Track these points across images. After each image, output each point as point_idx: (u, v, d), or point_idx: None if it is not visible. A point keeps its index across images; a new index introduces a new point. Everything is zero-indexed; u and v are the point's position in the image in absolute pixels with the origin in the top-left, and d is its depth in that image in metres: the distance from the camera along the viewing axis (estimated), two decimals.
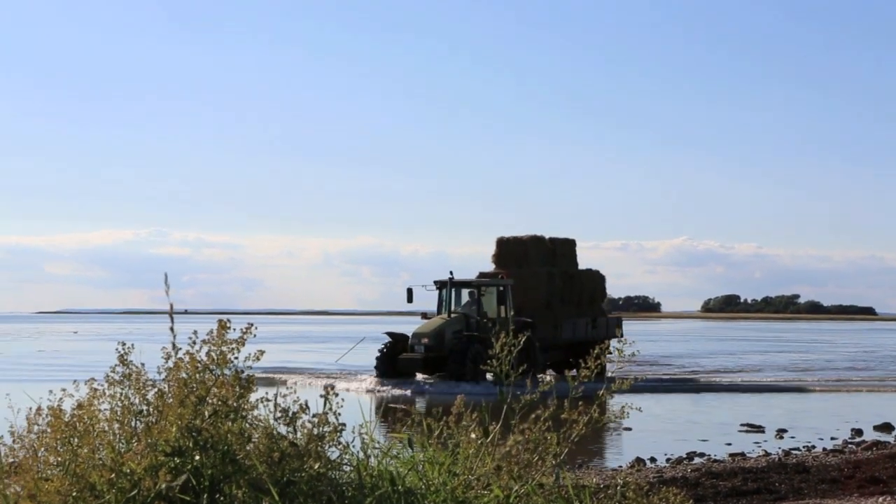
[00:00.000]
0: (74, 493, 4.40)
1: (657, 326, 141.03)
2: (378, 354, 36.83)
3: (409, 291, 38.82)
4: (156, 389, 4.92)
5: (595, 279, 45.26)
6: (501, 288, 38.57)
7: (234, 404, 4.66)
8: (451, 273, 38.52)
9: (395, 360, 36.34)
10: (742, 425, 24.72)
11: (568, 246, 45.48)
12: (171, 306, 4.84)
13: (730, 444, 21.06)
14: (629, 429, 21.11)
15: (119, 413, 4.92)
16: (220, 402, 4.66)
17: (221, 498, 4.45)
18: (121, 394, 4.95)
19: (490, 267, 43.59)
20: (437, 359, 36.05)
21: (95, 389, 5.02)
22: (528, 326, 37.61)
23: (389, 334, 37.81)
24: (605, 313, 45.42)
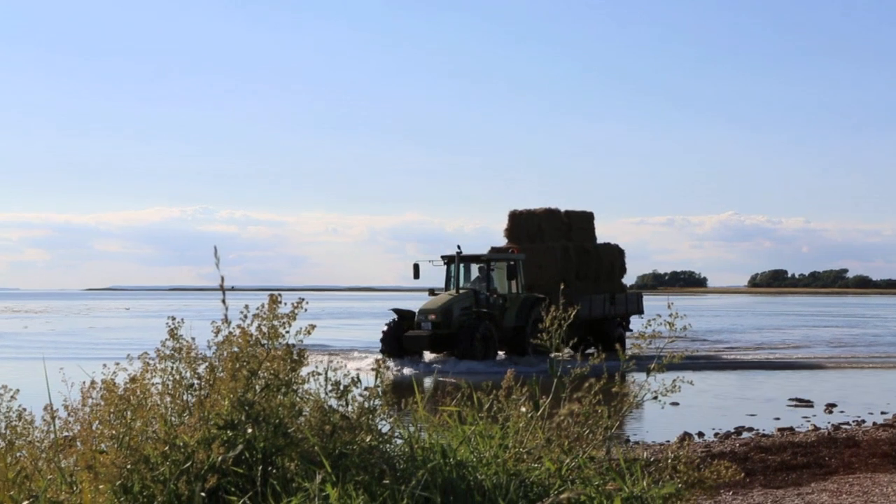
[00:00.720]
0: (129, 466, 4.44)
1: (703, 301, 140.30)
2: (383, 331, 35.18)
3: (416, 267, 36.85)
4: (206, 363, 4.96)
5: (613, 254, 43.52)
6: (512, 263, 36.90)
7: (286, 378, 4.68)
8: (458, 248, 36.89)
9: (400, 338, 34.64)
10: (790, 400, 24.56)
11: (585, 219, 43.49)
12: (223, 279, 4.86)
13: (778, 419, 20.93)
14: (676, 403, 21.01)
15: (171, 387, 4.96)
16: (271, 376, 4.68)
17: (274, 470, 4.48)
18: (172, 368, 4.99)
19: (502, 242, 41.87)
20: (445, 336, 34.53)
21: (147, 363, 5.06)
22: (541, 303, 37.11)
23: (396, 311, 35.92)
24: (624, 289, 43.84)
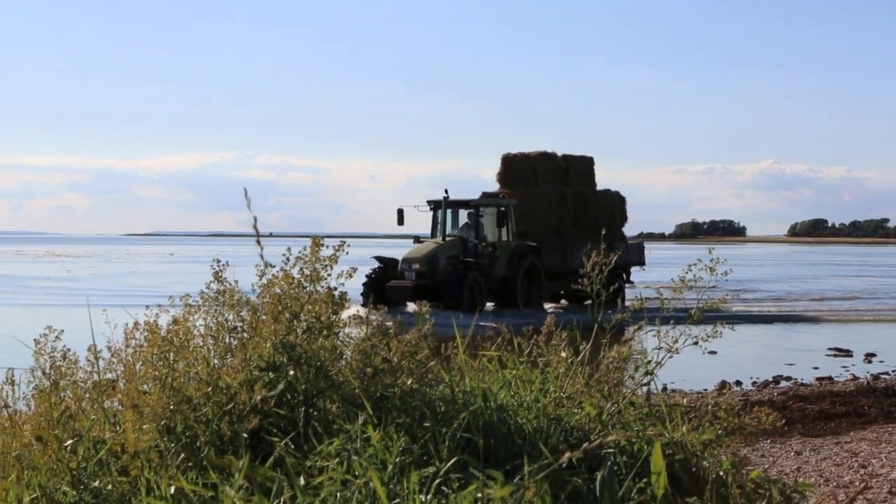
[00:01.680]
0: (172, 406, 4.49)
1: (742, 251, 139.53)
2: (365, 281, 32.67)
3: (400, 212, 34.10)
4: (249, 306, 4.98)
5: (613, 201, 41.16)
6: (502, 208, 34.53)
7: (328, 321, 4.70)
8: (446, 192, 34.08)
9: (383, 288, 32.17)
10: (829, 349, 24.48)
11: (584, 164, 41.10)
12: (255, 220, 4.84)
13: (817, 369, 20.89)
14: (714, 352, 20.99)
15: (213, 329, 5.00)
16: (313, 319, 4.70)
17: (315, 412, 4.51)
18: (215, 310, 5.02)
19: (495, 187, 39.53)
20: (430, 287, 32.11)
21: (190, 306, 5.10)
22: (534, 252, 34.58)
23: (378, 259, 33.37)
24: (625, 239, 41.53)
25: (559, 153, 40.45)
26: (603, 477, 3.82)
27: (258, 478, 3.82)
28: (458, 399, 4.50)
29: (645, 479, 4.16)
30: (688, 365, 20.82)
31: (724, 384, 18.05)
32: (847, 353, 23.83)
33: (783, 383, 18.83)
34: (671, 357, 5.00)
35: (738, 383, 18.66)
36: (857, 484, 8.90)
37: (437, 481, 3.77)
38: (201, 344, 4.95)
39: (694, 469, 4.51)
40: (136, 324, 5.14)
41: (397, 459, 3.99)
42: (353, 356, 4.69)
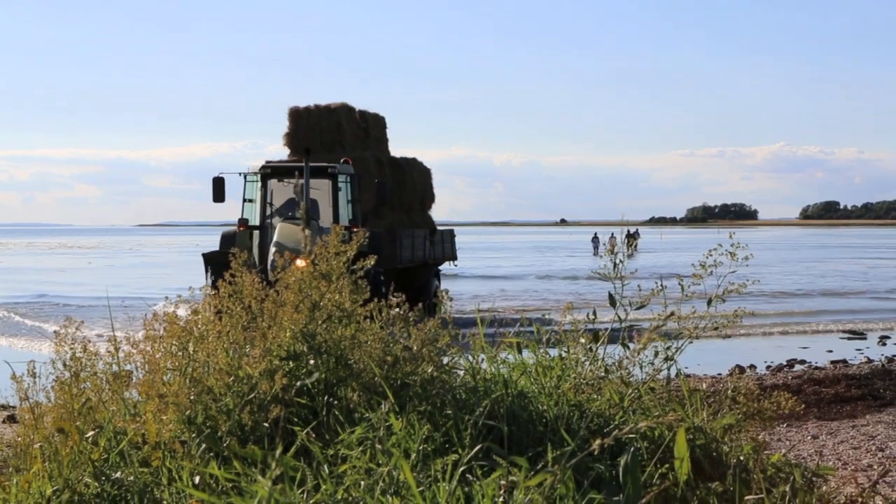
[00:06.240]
0: (192, 397, 4.50)
1: (752, 234, 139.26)
2: (214, 282, 16.11)
3: (219, 183, 22.49)
4: (268, 295, 4.99)
5: (424, 174, 30.94)
6: (360, 179, 23.78)
7: (349, 310, 4.71)
8: (307, 150, 21.77)
9: None
10: (843, 332, 24.43)
11: (379, 125, 31.07)
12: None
13: (831, 352, 20.83)
14: (728, 336, 20.94)
15: (232, 318, 5.00)
16: (334, 307, 4.71)
17: (336, 401, 4.52)
18: (234, 299, 5.03)
19: (281, 153, 28.55)
20: None
21: (209, 295, 5.11)
22: (391, 241, 25.06)
23: (208, 256, 22.46)
24: (434, 224, 30.94)
25: (356, 108, 30.24)
26: (626, 463, 3.82)
27: (282, 467, 3.83)
28: (480, 386, 4.50)
29: (667, 465, 4.16)
30: (702, 349, 20.82)
31: (738, 368, 18.03)
32: (861, 336, 23.79)
33: (797, 367, 18.78)
34: (691, 342, 5.00)
35: (753, 367, 18.63)
36: (875, 467, 8.89)
37: (461, 469, 3.77)
38: (220, 334, 4.96)
39: (715, 454, 4.51)
40: (154, 314, 5.14)
41: (420, 447, 3.99)
42: (373, 344, 4.69)
